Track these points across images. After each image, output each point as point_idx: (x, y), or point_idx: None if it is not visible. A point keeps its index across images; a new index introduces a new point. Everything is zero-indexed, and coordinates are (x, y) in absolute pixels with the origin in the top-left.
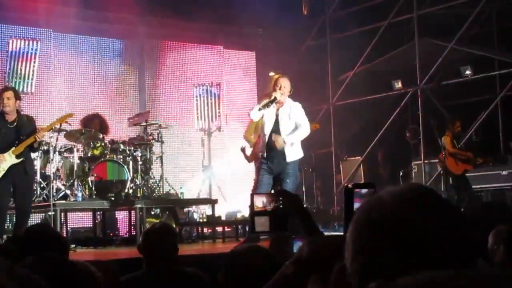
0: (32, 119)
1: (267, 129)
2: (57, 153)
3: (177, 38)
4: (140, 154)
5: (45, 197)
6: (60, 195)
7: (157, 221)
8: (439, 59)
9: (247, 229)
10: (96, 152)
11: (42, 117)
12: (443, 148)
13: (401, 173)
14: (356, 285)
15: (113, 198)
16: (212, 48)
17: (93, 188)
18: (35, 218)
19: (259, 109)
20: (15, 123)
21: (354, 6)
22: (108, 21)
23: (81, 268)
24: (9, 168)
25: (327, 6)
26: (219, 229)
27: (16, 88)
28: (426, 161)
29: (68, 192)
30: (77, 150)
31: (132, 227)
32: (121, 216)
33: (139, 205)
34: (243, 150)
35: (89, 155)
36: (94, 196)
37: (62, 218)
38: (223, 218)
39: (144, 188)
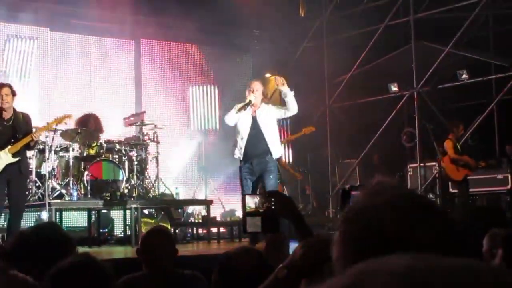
0: (28, 116)
1: (244, 133)
2: (52, 152)
3: (173, 38)
4: (135, 154)
5: (40, 196)
6: (55, 194)
7: (152, 221)
8: (435, 63)
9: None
10: (92, 151)
11: (39, 116)
12: (442, 153)
13: (396, 176)
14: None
15: (108, 198)
16: (208, 49)
17: (89, 188)
18: (29, 217)
19: (236, 113)
20: (12, 121)
21: (351, 9)
22: (105, 20)
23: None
24: (4, 167)
25: (324, 8)
26: (214, 229)
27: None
28: (421, 164)
29: (64, 191)
30: (73, 150)
31: (127, 227)
32: (116, 216)
33: (134, 205)
34: None
35: (84, 154)
36: (89, 196)
37: (57, 217)
38: (218, 218)
39: (140, 188)
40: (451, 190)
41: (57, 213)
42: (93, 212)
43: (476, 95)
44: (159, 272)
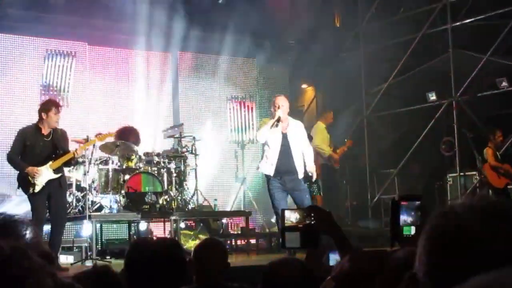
0: (65, 132)
1: (275, 149)
2: (92, 165)
3: (211, 51)
4: (174, 166)
5: (80, 209)
6: (96, 207)
7: (191, 233)
8: (474, 71)
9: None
10: (131, 164)
11: (77, 130)
12: (482, 161)
13: (436, 186)
14: None
15: (147, 210)
16: (245, 60)
17: (128, 200)
18: (69, 230)
19: (269, 130)
20: (51, 136)
21: (387, 18)
22: (142, 34)
23: None
24: (46, 182)
25: (360, 18)
26: (253, 241)
27: None
28: (461, 174)
29: (103, 204)
30: (112, 162)
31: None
32: (156, 228)
33: (173, 217)
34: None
35: (124, 167)
36: (128, 208)
37: (98, 229)
38: (257, 230)
39: (178, 200)
40: None
41: (98, 225)
42: (133, 224)
43: None
44: (209, 285)
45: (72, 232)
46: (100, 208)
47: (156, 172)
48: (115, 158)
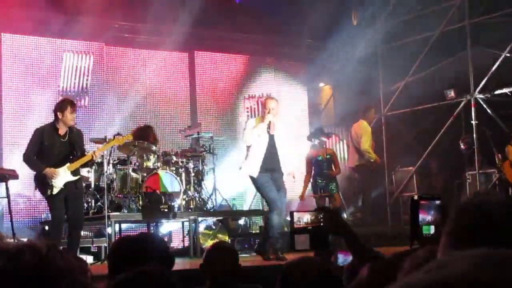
0: (81, 132)
1: (262, 149)
2: (111, 165)
3: (228, 49)
4: (192, 166)
5: (99, 209)
6: (114, 207)
7: (210, 232)
8: (492, 68)
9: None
10: (149, 164)
11: (95, 130)
12: (502, 158)
13: (455, 184)
14: None
15: (166, 210)
16: (263, 59)
17: (147, 200)
18: (88, 230)
19: (258, 135)
20: (67, 137)
21: (405, 15)
22: (160, 34)
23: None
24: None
25: (377, 16)
26: None
27: None
28: (480, 171)
29: (122, 203)
30: (130, 162)
31: (185, 238)
32: (174, 227)
33: (192, 217)
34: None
35: (142, 167)
36: (147, 208)
37: (116, 229)
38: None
39: (197, 199)
40: None
41: (116, 225)
42: (152, 224)
43: None
44: (222, 287)
45: (90, 232)
46: (119, 208)
47: (174, 171)
48: (133, 158)
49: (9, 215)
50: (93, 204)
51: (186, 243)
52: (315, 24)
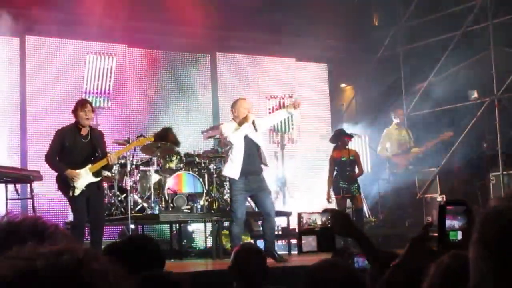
0: (102, 134)
1: (240, 150)
2: (134, 166)
3: (249, 50)
4: (214, 167)
5: (122, 210)
6: (137, 208)
7: None
8: None
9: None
10: (172, 165)
11: (119, 131)
12: None
13: (478, 185)
14: None
15: (188, 211)
16: (284, 60)
17: (169, 201)
18: (112, 231)
19: (244, 134)
20: (89, 137)
21: (426, 16)
22: (182, 35)
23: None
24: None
25: (399, 17)
26: (294, 241)
27: (93, 103)
28: (504, 173)
29: (145, 205)
30: (153, 164)
31: (208, 239)
32: (197, 228)
33: (214, 218)
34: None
35: (164, 168)
36: (170, 209)
37: (139, 230)
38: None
39: (219, 200)
40: None
41: (139, 226)
42: (174, 225)
43: None
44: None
45: (114, 233)
46: (142, 209)
47: (197, 172)
48: (156, 160)
49: None
50: (116, 205)
51: (209, 244)
52: (336, 24)
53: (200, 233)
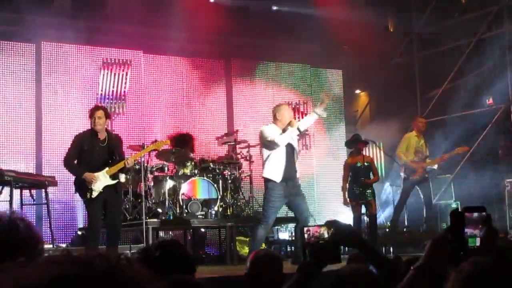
0: (120, 138)
1: (282, 154)
2: (148, 172)
3: (264, 57)
4: (229, 173)
5: (137, 215)
6: (152, 213)
7: (247, 239)
8: None
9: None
10: (186, 170)
11: (133, 137)
12: None
13: (493, 192)
14: None
15: (203, 217)
16: (299, 66)
17: (184, 207)
18: (126, 236)
19: (290, 138)
20: (106, 142)
21: (442, 22)
22: (196, 41)
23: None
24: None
25: (414, 23)
26: None
27: (108, 109)
28: None
29: (159, 210)
30: (168, 169)
31: (222, 245)
32: (211, 234)
33: (229, 224)
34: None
35: (179, 173)
36: (184, 215)
37: (154, 236)
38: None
39: (234, 206)
40: None
41: (154, 232)
42: (189, 231)
43: None
44: None
45: (128, 238)
46: (156, 214)
47: (211, 178)
48: (171, 165)
49: (48, 221)
50: (130, 211)
51: (223, 250)
52: (351, 29)
53: (214, 239)
